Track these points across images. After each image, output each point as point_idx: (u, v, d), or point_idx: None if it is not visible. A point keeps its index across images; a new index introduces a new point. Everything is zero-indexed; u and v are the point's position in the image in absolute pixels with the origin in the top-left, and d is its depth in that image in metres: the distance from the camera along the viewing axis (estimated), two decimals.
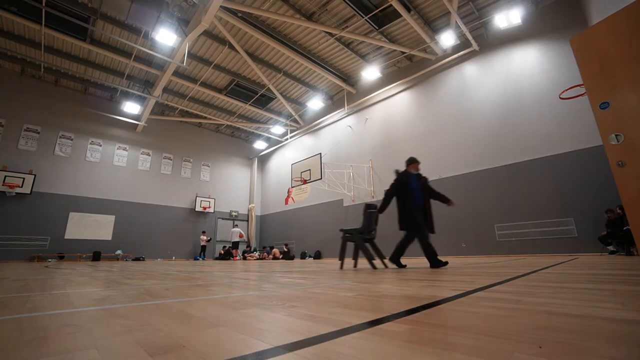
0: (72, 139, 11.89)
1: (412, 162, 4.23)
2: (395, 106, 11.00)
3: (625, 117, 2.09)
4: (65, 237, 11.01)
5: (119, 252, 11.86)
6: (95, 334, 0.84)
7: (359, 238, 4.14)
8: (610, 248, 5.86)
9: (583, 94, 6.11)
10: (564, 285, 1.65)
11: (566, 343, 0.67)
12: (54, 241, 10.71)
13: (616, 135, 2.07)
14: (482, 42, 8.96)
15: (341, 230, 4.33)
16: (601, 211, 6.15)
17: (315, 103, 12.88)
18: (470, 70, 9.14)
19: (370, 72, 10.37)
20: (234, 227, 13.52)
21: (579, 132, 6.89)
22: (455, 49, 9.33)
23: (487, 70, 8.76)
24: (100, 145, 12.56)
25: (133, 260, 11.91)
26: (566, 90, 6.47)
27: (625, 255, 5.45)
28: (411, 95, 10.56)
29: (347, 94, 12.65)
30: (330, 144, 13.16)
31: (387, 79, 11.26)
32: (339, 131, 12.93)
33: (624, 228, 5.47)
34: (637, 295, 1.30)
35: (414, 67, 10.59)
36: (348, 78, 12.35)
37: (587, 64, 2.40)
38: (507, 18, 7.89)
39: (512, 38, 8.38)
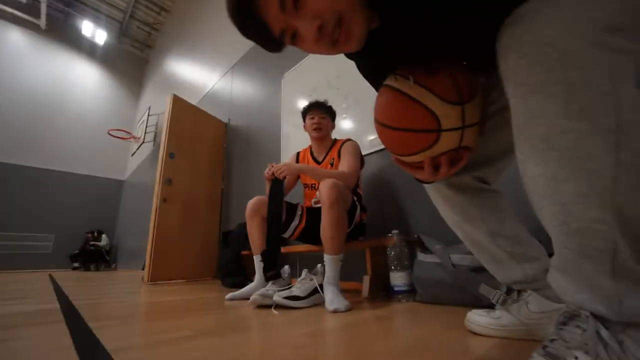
0: None
1: None
2: None
3: (178, 167, 3.10)
4: None
5: None
6: None
7: None
8: (75, 264, 6.93)
9: (127, 138, 7.93)
10: None
11: None
12: None
13: (169, 179, 2.97)
14: None
15: None
16: (82, 230, 7.28)
17: None
18: None
19: None
20: None
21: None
22: None
23: None
24: None
25: None
26: (117, 130, 7.68)
27: (84, 270, 6.72)
28: None
29: None
30: None
31: None
32: None
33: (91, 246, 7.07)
34: None
35: None
36: None
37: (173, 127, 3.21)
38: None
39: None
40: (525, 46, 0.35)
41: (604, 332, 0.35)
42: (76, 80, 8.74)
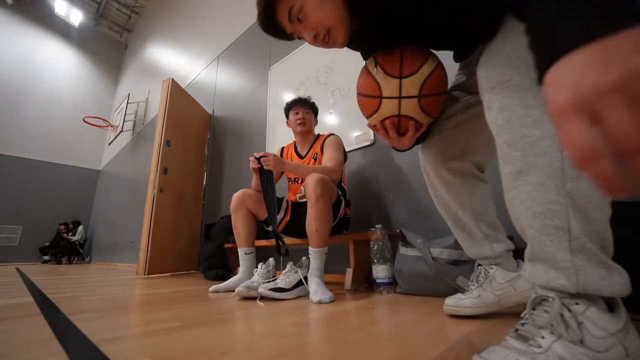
0: None
1: None
2: None
3: (172, 156, 2.98)
4: None
5: None
6: None
7: None
8: (45, 257, 6.76)
9: (104, 126, 7.75)
10: None
11: None
12: None
13: (165, 168, 2.87)
14: None
15: None
16: (53, 222, 7.14)
17: None
18: None
19: None
20: None
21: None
22: None
23: None
24: None
25: None
26: (93, 117, 7.50)
27: (56, 264, 6.41)
28: None
29: None
30: None
31: None
32: None
33: (62, 243, 6.72)
34: None
35: None
36: None
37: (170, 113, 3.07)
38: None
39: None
40: (492, 82, 0.50)
41: (566, 314, 0.41)
42: (47, 62, 8.24)
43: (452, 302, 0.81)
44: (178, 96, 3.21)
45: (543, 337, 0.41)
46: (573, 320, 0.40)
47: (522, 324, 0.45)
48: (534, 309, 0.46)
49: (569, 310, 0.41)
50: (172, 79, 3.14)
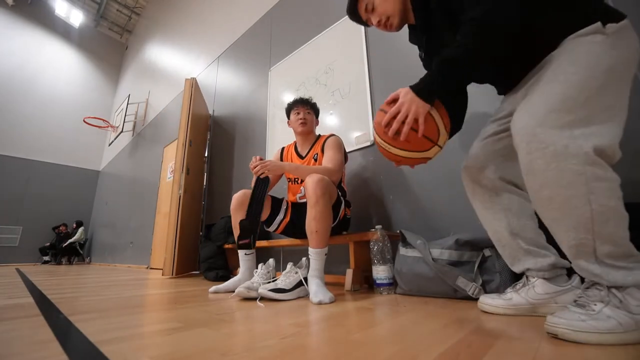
0: None
1: None
2: None
3: (189, 156, 2.96)
4: None
5: None
6: None
7: None
8: (45, 258, 6.78)
9: (105, 127, 7.67)
10: None
11: None
12: None
13: (188, 168, 2.90)
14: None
15: None
16: (53, 222, 7.19)
17: None
18: None
19: None
20: None
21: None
22: None
23: None
24: None
25: None
26: (93, 117, 7.50)
27: (56, 264, 6.44)
28: None
29: None
30: None
31: None
32: None
33: (65, 245, 6.70)
34: None
35: None
36: None
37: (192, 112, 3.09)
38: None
39: None
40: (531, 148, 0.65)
41: (613, 291, 0.59)
42: (48, 62, 8.25)
43: (485, 300, 0.85)
44: (195, 95, 3.23)
45: (595, 305, 0.59)
46: (619, 294, 0.58)
47: (579, 297, 0.63)
48: (587, 288, 0.63)
49: (617, 290, 0.59)
50: (195, 79, 3.17)
